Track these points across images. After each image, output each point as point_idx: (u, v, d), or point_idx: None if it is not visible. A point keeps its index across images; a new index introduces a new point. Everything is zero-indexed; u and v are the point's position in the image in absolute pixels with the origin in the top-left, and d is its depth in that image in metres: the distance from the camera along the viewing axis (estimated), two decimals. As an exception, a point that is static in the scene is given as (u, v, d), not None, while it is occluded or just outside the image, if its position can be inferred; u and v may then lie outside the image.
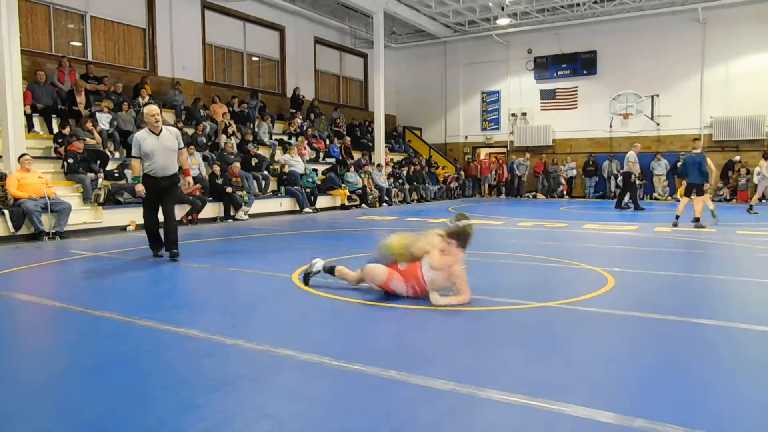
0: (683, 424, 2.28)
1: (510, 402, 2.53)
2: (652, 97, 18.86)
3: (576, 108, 20.53)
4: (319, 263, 4.95)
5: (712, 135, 18.38)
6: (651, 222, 11.19)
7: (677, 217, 10.14)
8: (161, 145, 6.51)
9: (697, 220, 9.80)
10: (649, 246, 7.98)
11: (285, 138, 16.40)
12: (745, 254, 7.32)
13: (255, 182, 13.39)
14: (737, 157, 17.72)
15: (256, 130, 15.51)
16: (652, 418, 2.33)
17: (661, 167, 18.70)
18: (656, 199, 18.67)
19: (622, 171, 14.59)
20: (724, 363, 3.14)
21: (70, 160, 9.95)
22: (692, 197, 10.03)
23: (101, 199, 10.02)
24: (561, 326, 3.88)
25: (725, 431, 2.23)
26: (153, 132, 6.51)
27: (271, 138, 16.00)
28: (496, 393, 2.62)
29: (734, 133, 17.93)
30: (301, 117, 17.56)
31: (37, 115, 11.22)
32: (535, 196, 20.87)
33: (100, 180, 10.18)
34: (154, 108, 6.58)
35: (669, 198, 18.44)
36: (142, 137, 6.52)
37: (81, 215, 9.57)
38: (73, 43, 13.31)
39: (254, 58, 18.19)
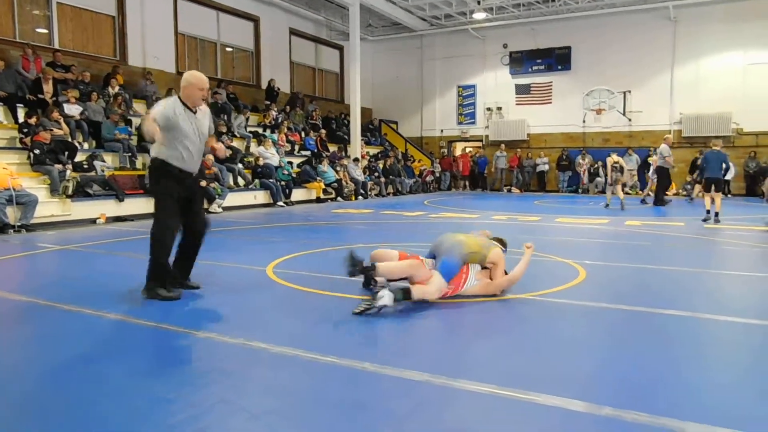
0: (649, 411, 2.34)
1: (483, 392, 2.56)
2: (624, 93, 19.19)
3: (550, 103, 20.78)
4: (386, 297, 3.81)
5: (682, 131, 18.80)
6: (622, 216, 11.40)
7: (708, 212, 10.02)
8: (198, 129, 4.47)
9: (716, 214, 9.89)
10: (620, 239, 8.13)
11: (260, 130, 16.22)
12: (712, 247, 7.52)
13: (231, 175, 13.25)
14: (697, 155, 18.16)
15: (232, 122, 15.33)
16: (619, 406, 2.39)
17: (632, 162, 19.04)
18: (627, 193, 19.02)
19: (657, 165, 14.01)
20: (690, 352, 3.23)
21: (37, 151, 9.68)
22: (712, 193, 10.04)
23: (69, 191, 9.79)
24: (533, 318, 3.93)
25: (689, 419, 2.29)
26: (189, 108, 4.40)
27: (245, 130, 15.83)
28: (469, 383, 2.64)
29: (703, 129, 18.37)
30: (276, 109, 17.38)
31: (1, 104, 10.88)
32: (509, 190, 21.09)
33: (68, 172, 9.93)
34: (204, 78, 4.49)
35: (639, 192, 18.81)
36: (174, 108, 4.32)
37: (48, 208, 9.33)
38: (38, 30, 12.92)
39: (228, 49, 17.93)
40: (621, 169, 13.67)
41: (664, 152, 13.52)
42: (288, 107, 18.36)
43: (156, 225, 4.47)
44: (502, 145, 21.12)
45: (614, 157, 13.77)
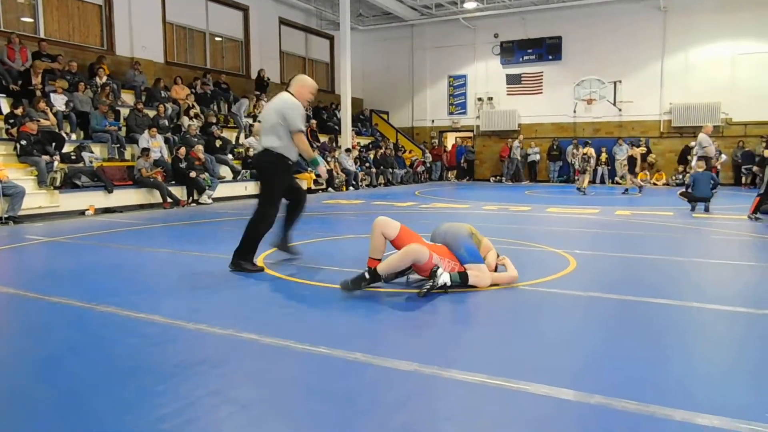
0: (638, 399, 2.36)
1: (473, 382, 2.57)
2: (615, 83, 19.23)
3: (541, 93, 20.78)
4: (445, 276, 4.01)
5: (671, 121, 18.88)
6: (612, 205, 11.46)
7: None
8: None
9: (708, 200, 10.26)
10: (610, 229, 8.18)
11: (250, 121, 16.12)
12: (699, 236, 7.58)
13: (224, 167, 13.21)
14: (693, 143, 18.26)
15: (237, 110, 15.39)
16: (609, 395, 2.40)
17: (622, 152, 19.10)
18: (618, 183, 19.13)
19: (698, 156, 13.79)
20: (678, 341, 3.25)
21: (23, 142, 9.55)
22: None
23: (57, 183, 9.69)
24: (524, 307, 3.95)
25: (677, 406, 2.31)
26: None
27: (234, 121, 15.77)
28: (459, 373, 2.65)
29: (692, 119, 18.45)
30: (266, 99, 17.24)
31: (-16, 95, 10.73)
32: (500, 181, 21.12)
33: (55, 163, 9.82)
34: (315, 84, 5.20)
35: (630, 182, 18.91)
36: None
37: (36, 199, 9.23)
38: (23, 19, 12.72)
39: (217, 39, 17.75)
40: (588, 160, 15.34)
41: (704, 142, 12.82)
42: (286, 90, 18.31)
43: (264, 211, 4.91)
44: (521, 136, 20.79)
45: (587, 149, 15.48)
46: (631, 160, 15.22)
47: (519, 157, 20.74)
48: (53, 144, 10.13)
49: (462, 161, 22.20)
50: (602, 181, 19.07)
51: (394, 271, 4.15)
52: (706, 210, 9.93)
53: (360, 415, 2.28)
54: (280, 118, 4.81)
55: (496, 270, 4.50)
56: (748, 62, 17.63)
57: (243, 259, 4.90)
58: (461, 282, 4.10)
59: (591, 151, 15.57)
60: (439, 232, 4.47)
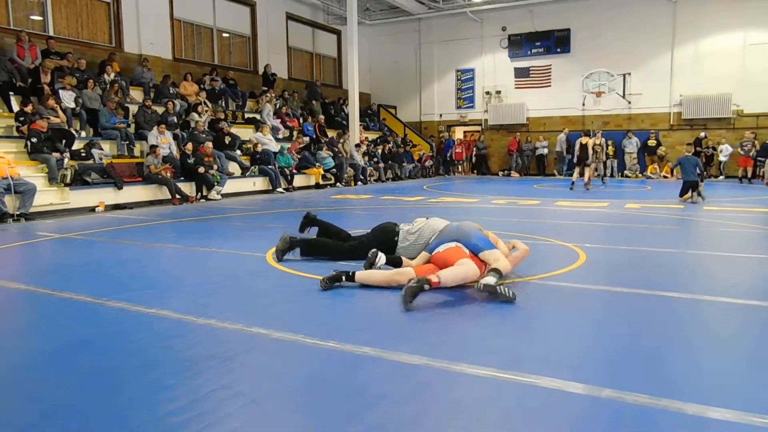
0: (648, 392, 2.34)
1: (482, 375, 2.56)
2: (624, 75, 19.04)
3: (550, 86, 20.63)
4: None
5: (682, 113, 18.69)
6: (622, 199, 11.37)
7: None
8: None
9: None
10: (620, 222, 8.12)
11: (257, 117, 16.14)
12: (710, 229, 7.51)
13: (233, 163, 13.25)
14: (702, 134, 18.10)
15: (260, 111, 15.63)
16: (619, 388, 2.39)
17: (632, 145, 18.99)
18: (627, 176, 19.01)
19: None
20: (689, 334, 3.23)
21: (34, 140, 9.62)
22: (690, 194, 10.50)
23: (68, 180, 9.75)
24: (533, 301, 3.93)
25: (689, 400, 2.29)
26: None
27: (243, 117, 15.79)
28: (468, 367, 2.64)
29: (703, 111, 18.26)
30: (274, 95, 17.26)
31: (-5, 93, 10.79)
32: (508, 174, 21.03)
33: (66, 160, 9.88)
34: None
35: (639, 175, 18.79)
36: None
37: (47, 196, 9.30)
38: (32, 17, 12.78)
39: (225, 35, 17.76)
40: (599, 150, 13.83)
41: None
42: (294, 96, 18.46)
43: (353, 248, 5.22)
44: (565, 129, 20.05)
45: (598, 139, 13.92)
46: (583, 149, 13.51)
47: (564, 150, 19.94)
48: (63, 141, 10.21)
49: (448, 155, 22.08)
50: (611, 174, 18.92)
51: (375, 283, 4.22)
52: (699, 195, 10.20)
53: (369, 408, 2.28)
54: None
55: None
56: (760, 52, 17.38)
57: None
58: (500, 277, 3.96)
59: (601, 141, 14.02)
60: (452, 230, 4.46)
